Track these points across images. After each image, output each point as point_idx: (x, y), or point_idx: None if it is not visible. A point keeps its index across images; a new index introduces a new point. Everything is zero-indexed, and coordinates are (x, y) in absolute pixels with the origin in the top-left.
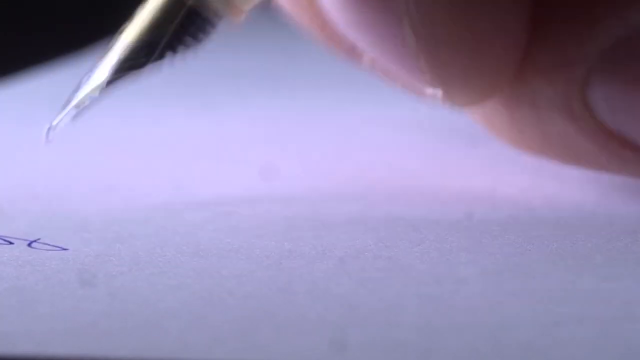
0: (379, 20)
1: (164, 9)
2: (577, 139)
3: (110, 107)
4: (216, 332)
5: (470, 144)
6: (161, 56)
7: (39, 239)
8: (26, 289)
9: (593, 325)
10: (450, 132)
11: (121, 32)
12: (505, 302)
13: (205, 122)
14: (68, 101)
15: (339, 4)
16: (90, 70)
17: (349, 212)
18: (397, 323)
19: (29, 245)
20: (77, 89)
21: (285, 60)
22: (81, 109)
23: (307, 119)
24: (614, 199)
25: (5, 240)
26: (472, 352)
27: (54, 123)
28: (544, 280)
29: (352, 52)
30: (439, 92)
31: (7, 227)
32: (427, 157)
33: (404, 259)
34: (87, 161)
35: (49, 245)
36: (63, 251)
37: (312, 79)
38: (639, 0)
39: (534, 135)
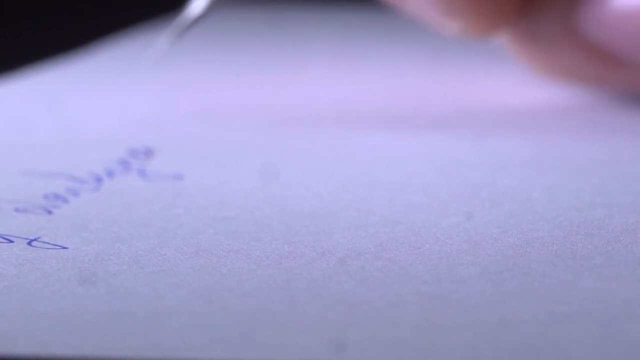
0: None
1: None
2: (576, 60)
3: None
4: (216, 331)
5: (469, 138)
6: None
7: (38, 238)
8: (26, 288)
9: (593, 325)
10: (450, 132)
11: None
12: (505, 301)
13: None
14: (172, 26)
15: None
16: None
17: (349, 216)
18: (397, 322)
19: (29, 243)
20: (178, 16)
21: (285, 60)
22: (180, 34)
23: (307, 122)
24: (614, 198)
25: (5, 238)
26: (471, 351)
27: (158, 44)
28: (544, 280)
29: None
30: (454, 25)
31: (7, 225)
32: (427, 156)
33: (403, 260)
34: (87, 162)
35: (48, 243)
36: (63, 250)
37: (312, 82)
38: None
39: (544, 58)
